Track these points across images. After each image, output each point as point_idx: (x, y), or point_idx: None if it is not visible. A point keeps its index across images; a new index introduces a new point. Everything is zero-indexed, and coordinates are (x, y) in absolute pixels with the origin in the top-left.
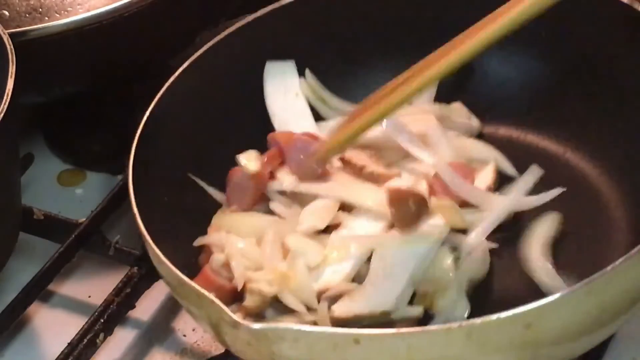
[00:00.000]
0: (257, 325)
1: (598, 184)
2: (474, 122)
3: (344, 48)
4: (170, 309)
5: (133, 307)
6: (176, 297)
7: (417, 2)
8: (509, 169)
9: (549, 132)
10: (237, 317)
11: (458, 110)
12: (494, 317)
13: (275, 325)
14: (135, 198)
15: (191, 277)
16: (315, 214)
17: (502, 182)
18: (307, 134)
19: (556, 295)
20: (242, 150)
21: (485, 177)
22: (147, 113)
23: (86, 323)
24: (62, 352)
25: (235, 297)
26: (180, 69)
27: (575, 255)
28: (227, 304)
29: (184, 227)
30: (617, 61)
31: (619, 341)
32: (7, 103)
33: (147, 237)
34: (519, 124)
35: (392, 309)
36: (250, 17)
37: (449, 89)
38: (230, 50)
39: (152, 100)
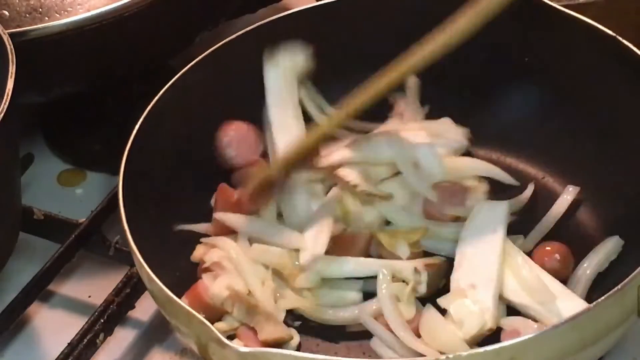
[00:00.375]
0: (244, 349)
1: (575, 209)
2: (464, 138)
3: (342, 59)
4: None
5: (133, 307)
6: (165, 315)
7: (413, 19)
8: (506, 178)
9: (528, 155)
10: (225, 339)
11: (447, 126)
12: (481, 350)
13: (262, 349)
14: (125, 212)
15: (180, 294)
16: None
17: (503, 190)
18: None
19: (540, 331)
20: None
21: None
22: (136, 127)
23: (86, 323)
24: (62, 352)
25: (223, 314)
26: (168, 84)
27: None
28: (215, 320)
29: (176, 243)
30: (597, 89)
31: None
32: (7, 103)
33: (138, 255)
34: (498, 146)
35: None
36: (253, 25)
37: (433, 112)
38: (228, 59)
39: (152, 101)
